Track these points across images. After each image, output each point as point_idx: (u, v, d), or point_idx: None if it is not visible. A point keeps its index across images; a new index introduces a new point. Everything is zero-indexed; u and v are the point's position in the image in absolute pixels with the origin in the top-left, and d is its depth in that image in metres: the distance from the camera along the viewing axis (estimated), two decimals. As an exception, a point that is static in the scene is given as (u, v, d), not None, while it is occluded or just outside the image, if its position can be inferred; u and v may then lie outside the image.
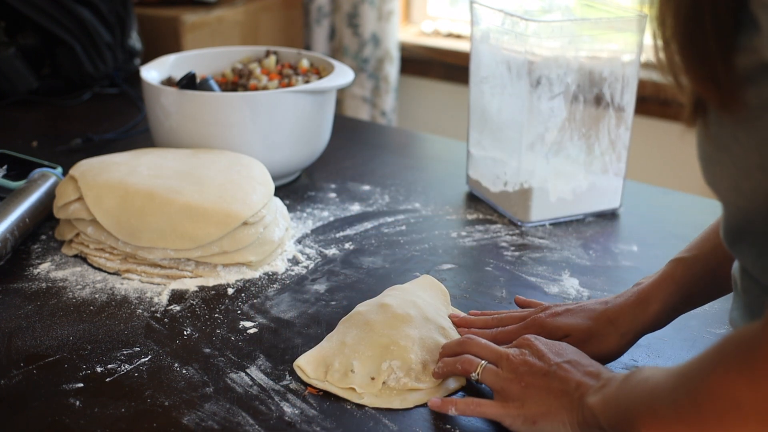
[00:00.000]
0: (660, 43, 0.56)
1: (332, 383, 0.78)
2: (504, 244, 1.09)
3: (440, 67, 2.34)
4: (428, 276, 0.95)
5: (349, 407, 0.76)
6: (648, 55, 1.14)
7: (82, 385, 0.79)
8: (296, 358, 0.82)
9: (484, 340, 0.78)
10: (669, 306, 0.80)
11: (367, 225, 1.14)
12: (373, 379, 0.78)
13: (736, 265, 0.67)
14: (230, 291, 0.96)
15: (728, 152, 0.57)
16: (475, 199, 1.23)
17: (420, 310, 0.85)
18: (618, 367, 0.83)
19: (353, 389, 0.77)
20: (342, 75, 1.23)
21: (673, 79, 0.57)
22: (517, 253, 1.06)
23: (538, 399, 0.71)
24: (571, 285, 0.99)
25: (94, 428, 0.73)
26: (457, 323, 0.87)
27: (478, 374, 0.76)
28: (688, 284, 0.79)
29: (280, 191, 1.22)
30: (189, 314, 0.91)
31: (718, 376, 0.54)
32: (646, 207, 1.22)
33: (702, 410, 0.55)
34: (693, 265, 0.79)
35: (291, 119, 1.18)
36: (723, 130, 0.57)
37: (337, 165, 1.34)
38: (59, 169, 1.15)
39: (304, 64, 1.31)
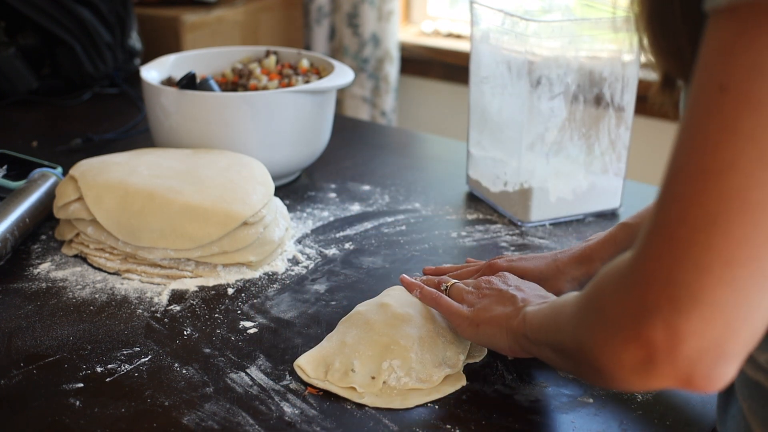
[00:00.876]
0: (631, 20, 0.59)
1: (332, 383, 0.78)
2: (504, 244, 1.09)
3: (440, 67, 2.34)
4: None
5: (349, 407, 0.76)
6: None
7: (82, 385, 0.79)
8: (296, 358, 0.82)
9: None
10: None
11: (367, 225, 1.14)
12: (373, 378, 0.78)
13: None
14: (230, 291, 0.96)
15: None
16: (475, 199, 1.23)
17: (420, 309, 0.85)
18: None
19: (354, 389, 0.77)
20: (342, 75, 1.23)
21: (643, 54, 0.60)
22: (517, 253, 1.06)
23: (488, 306, 0.79)
24: (571, 285, 0.99)
25: (94, 428, 0.73)
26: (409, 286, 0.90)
27: (448, 286, 0.85)
28: (628, 247, 0.85)
29: (280, 191, 1.22)
30: (189, 314, 0.91)
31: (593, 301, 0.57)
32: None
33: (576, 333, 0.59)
34: (634, 231, 0.87)
35: (291, 119, 1.18)
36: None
37: (337, 165, 1.34)
38: (59, 169, 1.15)
39: (304, 64, 1.31)
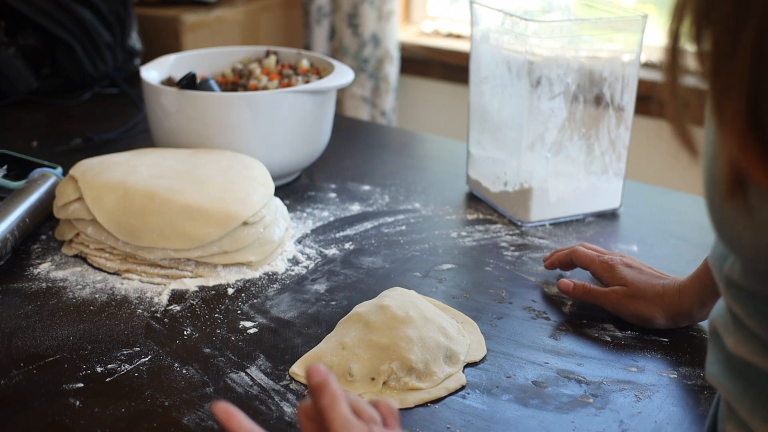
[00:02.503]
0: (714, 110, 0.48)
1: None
2: (504, 244, 1.09)
3: (440, 67, 2.34)
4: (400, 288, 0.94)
5: (349, 407, 0.76)
6: (648, 55, 1.11)
7: (82, 385, 0.79)
8: (296, 358, 0.82)
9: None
10: (697, 301, 0.87)
11: (367, 225, 1.14)
12: (373, 379, 0.78)
13: (717, 312, 0.62)
14: (230, 291, 0.96)
15: (763, 239, 0.50)
16: (475, 199, 1.23)
17: (419, 310, 0.85)
18: (619, 366, 0.83)
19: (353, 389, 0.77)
20: (342, 75, 1.23)
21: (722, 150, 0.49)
22: (517, 253, 1.06)
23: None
24: (571, 285, 0.99)
25: (94, 428, 0.73)
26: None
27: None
28: (711, 281, 0.86)
29: (280, 191, 1.22)
30: (189, 314, 0.91)
31: None
32: (646, 207, 1.22)
33: None
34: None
35: (291, 119, 1.18)
36: (757, 217, 0.49)
37: (337, 165, 1.34)
38: (59, 169, 1.15)
39: (304, 64, 1.31)
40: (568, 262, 0.99)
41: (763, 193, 0.48)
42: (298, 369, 0.81)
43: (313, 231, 1.12)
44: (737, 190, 0.48)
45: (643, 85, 1.15)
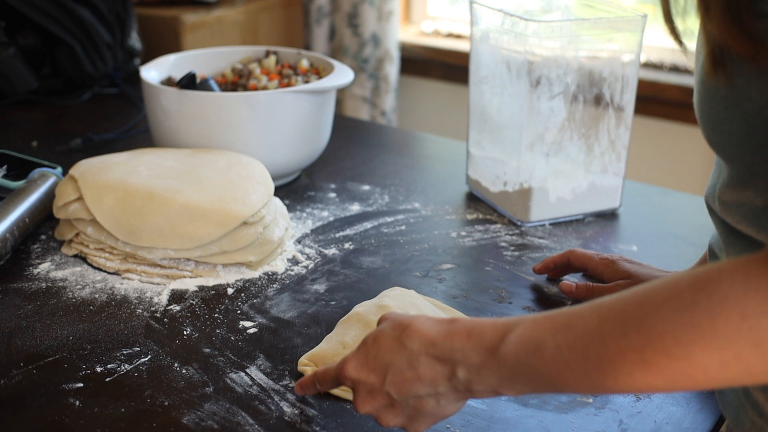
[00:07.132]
0: None
1: (332, 383, 0.78)
2: (504, 244, 1.09)
3: (440, 67, 2.34)
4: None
5: (348, 407, 0.76)
6: (647, 56, 1.13)
7: (81, 385, 0.79)
8: (296, 358, 0.82)
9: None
10: None
11: (367, 225, 1.14)
12: (372, 378, 0.78)
13: (712, 238, 0.73)
14: (230, 291, 0.96)
15: (740, 110, 0.59)
16: (474, 199, 1.23)
17: (419, 310, 0.85)
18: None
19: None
20: (342, 75, 1.23)
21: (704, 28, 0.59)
22: (516, 253, 1.06)
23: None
24: (570, 285, 0.99)
25: (94, 428, 0.73)
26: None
27: None
28: None
29: (280, 191, 1.22)
30: (189, 314, 0.91)
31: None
32: (646, 207, 1.22)
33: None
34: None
35: (291, 119, 1.18)
36: (735, 90, 0.59)
37: (337, 165, 1.34)
38: (59, 169, 1.15)
39: (304, 64, 1.31)
40: (564, 263, 0.99)
41: (740, 63, 0.58)
42: (306, 364, 0.80)
43: (312, 231, 1.12)
44: (718, 67, 0.59)
45: (642, 85, 1.15)
